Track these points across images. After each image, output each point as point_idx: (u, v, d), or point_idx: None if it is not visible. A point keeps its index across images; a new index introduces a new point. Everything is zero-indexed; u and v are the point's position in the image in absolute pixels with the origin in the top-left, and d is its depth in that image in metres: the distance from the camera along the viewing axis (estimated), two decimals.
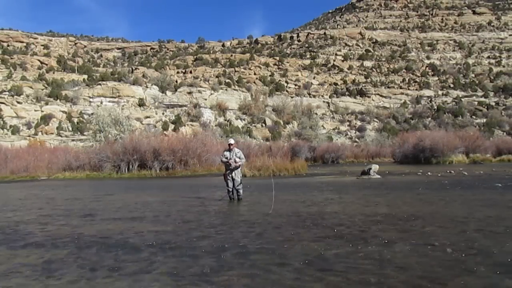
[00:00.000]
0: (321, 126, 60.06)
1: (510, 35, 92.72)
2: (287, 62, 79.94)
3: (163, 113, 57.05)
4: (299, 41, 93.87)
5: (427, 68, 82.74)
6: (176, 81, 65.99)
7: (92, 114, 47.57)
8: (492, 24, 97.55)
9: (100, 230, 6.41)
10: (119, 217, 7.73)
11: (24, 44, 79.23)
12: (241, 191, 9.87)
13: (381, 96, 72.68)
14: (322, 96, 71.64)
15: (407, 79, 78.28)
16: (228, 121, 58.32)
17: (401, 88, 75.67)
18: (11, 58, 67.15)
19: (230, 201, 9.75)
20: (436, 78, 78.61)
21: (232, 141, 9.97)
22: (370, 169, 18.26)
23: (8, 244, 5.61)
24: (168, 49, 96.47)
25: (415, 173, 19.91)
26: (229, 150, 9.66)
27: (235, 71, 74.47)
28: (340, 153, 41.21)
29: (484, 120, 62.40)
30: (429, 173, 19.11)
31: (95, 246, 5.30)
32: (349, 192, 11.51)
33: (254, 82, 71.50)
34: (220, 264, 4.28)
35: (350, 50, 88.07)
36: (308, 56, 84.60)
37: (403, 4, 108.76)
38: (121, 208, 9.08)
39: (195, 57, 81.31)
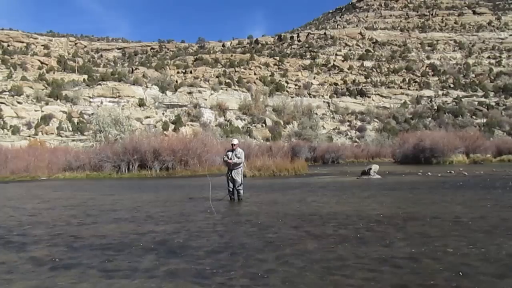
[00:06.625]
0: (321, 126, 60.01)
1: (510, 35, 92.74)
2: (287, 62, 79.98)
3: (163, 113, 57.06)
4: (299, 41, 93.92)
5: (427, 68, 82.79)
6: (176, 81, 66.01)
7: (92, 114, 47.58)
8: (492, 24, 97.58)
9: (100, 231, 6.41)
10: (118, 218, 7.73)
11: (24, 44, 79.26)
12: (241, 191, 9.87)
13: (381, 96, 72.71)
14: (322, 96, 71.68)
15: (407, 79, 78.32)
16: (228, 121, 58.33)
17: (401, 88, 75.73)
18: (11, 58, 67.19)
19: (231, 201, 9.75)
20: (436, 78, 78.66)
21: (235, 141, 9.97)
22: (370, 169, 18.25)
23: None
24: (168, 49, 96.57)
25: (415, 173, 19.91)
26: (232, 150, 9.69)
27: (235, 71, 74.49)
28: (340, 153, 41.17)
29: (484, 120, 62.43)
30: (429, 173, 19.12)
31: (95, 247, 5.31)
32: (349, 192, 11.49)
33: (254, 82, 71.52)
34: (220, 264, 4.27)
35: (350, 50, 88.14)
36: (308, 56, 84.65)
37: (403, 4, 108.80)
38: (121, 209, 9.08)
39: (195, 57, 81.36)
